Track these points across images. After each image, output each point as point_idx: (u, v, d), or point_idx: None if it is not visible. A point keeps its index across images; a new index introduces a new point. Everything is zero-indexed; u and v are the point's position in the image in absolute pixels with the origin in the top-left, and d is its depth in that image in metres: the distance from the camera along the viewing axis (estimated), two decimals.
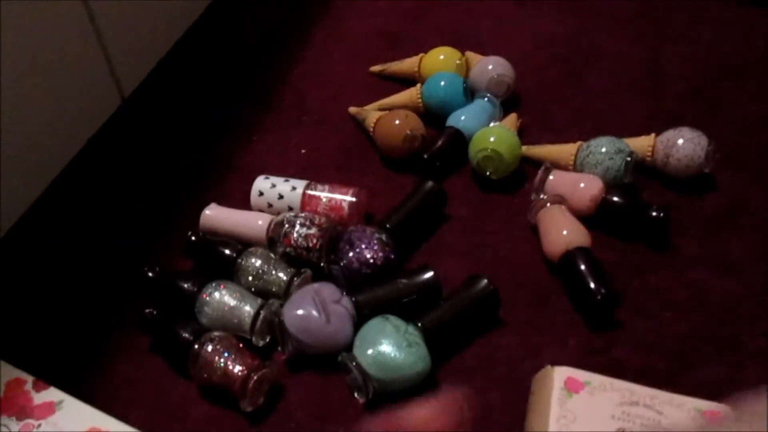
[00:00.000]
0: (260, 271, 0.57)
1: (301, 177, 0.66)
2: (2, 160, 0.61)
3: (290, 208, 0.63)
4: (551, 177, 0.63)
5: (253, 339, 0.54)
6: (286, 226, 0.59)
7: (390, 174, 0.71)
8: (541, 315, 0.57)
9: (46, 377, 0.51)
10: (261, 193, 0.64)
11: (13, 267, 0.65)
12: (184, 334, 0.53)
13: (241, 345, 0.52)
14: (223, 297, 0.55)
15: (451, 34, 0.89)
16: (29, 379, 0.48)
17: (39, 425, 0.45)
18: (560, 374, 0.44)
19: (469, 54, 0.79)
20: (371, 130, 0.72)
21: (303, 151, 0.75)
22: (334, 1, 0.96)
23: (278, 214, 0.62)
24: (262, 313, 0.53)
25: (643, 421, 0.42)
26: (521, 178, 0.68)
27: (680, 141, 0.63)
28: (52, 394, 0.47)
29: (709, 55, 0.81)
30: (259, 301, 0.55)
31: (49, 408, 0.46)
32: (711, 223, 0.63)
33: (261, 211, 0.64)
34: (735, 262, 0.60)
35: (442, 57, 0.77)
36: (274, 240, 0.60)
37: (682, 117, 0.72)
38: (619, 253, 0.61)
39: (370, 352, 0.50)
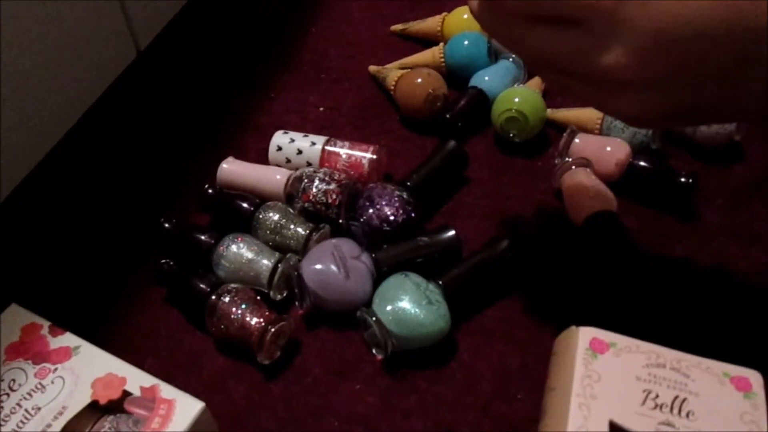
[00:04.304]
0: (278, 225, 0.56)
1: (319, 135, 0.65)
2: (17, 111, 0.59)
3: (309, 164, 0.62)
4: (577, 140, 0.62)
5: (271, 293, 0.53)
6: (305, 181, 0.58)
7: (409, 134, 0.70)
8: (561, 279, 0.56)
9: (61, 326, 0.51)
10: (279, 148, 0.63)
11: (30, 216, 0.64)
12: (201, 286, 0.52)
13: (258, 298, 0.52)
14: (240, 250, 0.54)
15: None
16: (45, 324, 0.47)
17: (55, 369, 0.44)
18: (585, 335, 0.43)
19: None
20: (392, 88, 0.70)
21: (321, 109, 0.73)
22: None
23: (296, 169, 0.61)
24: (281, 266, 0.52)
25: (670, 383, 0.41)
26: (545, 142, 0.67)
27: None
28: (69, 339, 0.46)
29: None
30: (277, 255, 0.54)
31: (66, 353, 0.45)
32: (737, 194, 0.62)
33: (279, 166, 0.63)
34: (761, 232, 0.59)
35: (465, 16, 0.75)
36: (293, 195, 0.59)
37: None
38: (644, 221, 0.60)
39: (389, 308, 0.49)
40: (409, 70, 0.70)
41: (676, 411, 0.39)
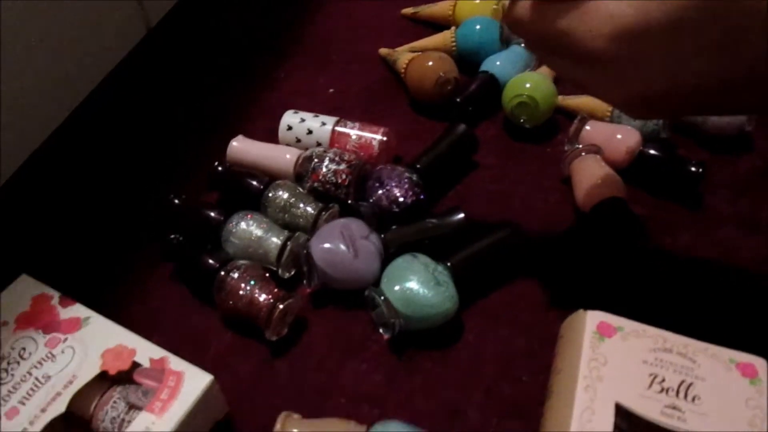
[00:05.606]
0: (288, 204, 0.56)
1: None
2: (27, 86, 0.59)
3: (319, 144, 0.62)
4: (587, 127, 0.62)
5: (279, 270, 0.53)
6: (315, 161, 0.58)
7: (418, 118, 0.70)
8: (568, 264, 0.56)
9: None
10: (290, 128, 0.63)
11: (39, 190, 0.64)
12: (209, 261, 0.52)
13: (267, 275, 0.52)
14: (250, 227, 0.54)
15: None
16: (55, 294, 0.48)
17: (65, 339, 0.45)
18: (592, 318, 0.44)
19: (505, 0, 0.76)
20: (403, 71, 0.70)
21: (331, 90, 0.73)
22: None
23: (306, 149, 0.61)
24: (289, 244, 0.53)
25: (676, 368, 0.41)
26: (555, 128, 0.67)
27: None
28: (79, 310, 0.47)
29: None
30: (286, 232, 0.54)
31: (76, 324, 0.46)
32: (744, 183, 0.62)
33: (289, 145, 0.63)
34: (766, 221, 0.59)
35: (477, 1, 0.75)
36: (303, 175, 0.59)
37: None
38: (651, 209, 0.60)
39: (397, 288, 0.49)
40: (420, 53, 0.70)
41: (682, 395, 0.40)
